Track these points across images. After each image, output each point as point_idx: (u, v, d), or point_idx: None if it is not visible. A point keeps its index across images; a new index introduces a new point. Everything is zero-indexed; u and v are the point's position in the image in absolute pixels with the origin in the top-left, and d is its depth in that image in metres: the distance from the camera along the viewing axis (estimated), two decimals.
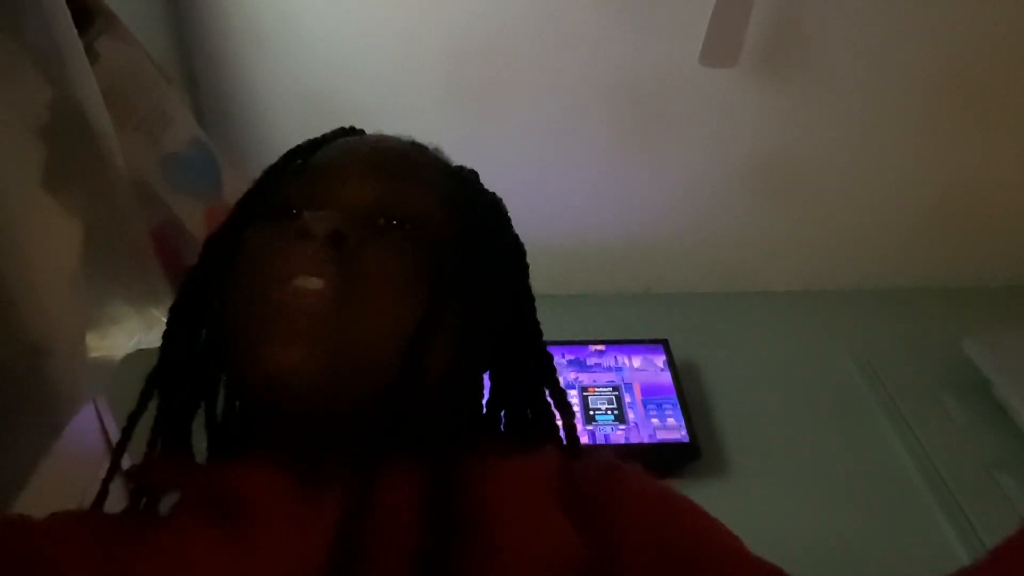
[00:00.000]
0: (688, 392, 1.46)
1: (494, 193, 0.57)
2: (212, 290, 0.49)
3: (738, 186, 1.62)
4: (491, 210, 0.56)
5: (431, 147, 0.58)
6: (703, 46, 1.35)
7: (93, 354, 0.67)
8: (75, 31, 0.59)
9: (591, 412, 1.39)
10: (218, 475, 0.47)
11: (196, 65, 1.42)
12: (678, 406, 1.41)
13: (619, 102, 1.50)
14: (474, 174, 0.57)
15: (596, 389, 1.44)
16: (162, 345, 0.52)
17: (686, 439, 1.36)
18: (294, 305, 0.43)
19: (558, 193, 1.61)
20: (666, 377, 1.48)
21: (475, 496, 0.44)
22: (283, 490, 0.44)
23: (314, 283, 0.43)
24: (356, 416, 0.44)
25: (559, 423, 0.56)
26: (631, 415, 1.40)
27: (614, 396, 1.42)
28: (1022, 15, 1.41)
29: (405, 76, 1.44)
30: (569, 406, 0.57)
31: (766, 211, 1.66)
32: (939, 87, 1.49)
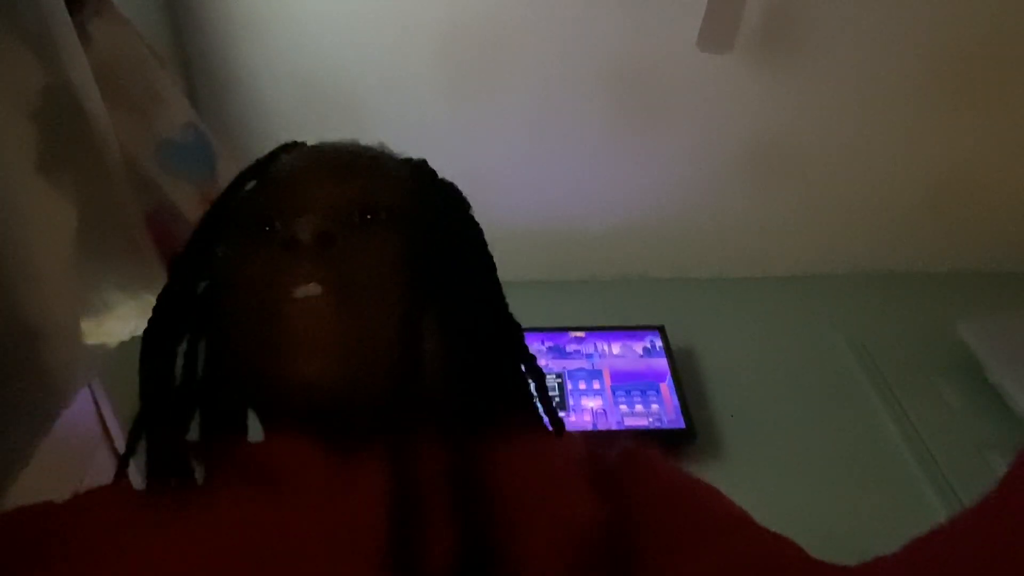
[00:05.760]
0: (684, 376, 1.46)
1: (445, 178, 0.58)
2: (188, 311, 0.50)
3: (734, 171, 1.62)
4: (450, 193, 0.57)
5: (377, 144, 0.59)
6: (700, 31, 1.34)
7: (89, 341, 0.67)
8: (67, 13, 0.58)
9: None
10: (249, 447, 0.48)
11: (190, 48, 1.41)
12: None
13: (615, 87, 1.49)
14: (424, 162, 0.58)
15: None
16: (140, 371, 0.50)
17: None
18: (302, 317, 0.44)
19: (553, 178, 1.60)
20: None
21: (501, 465, 0.45)
22: (314, 456, 0.45)
23: (314, 289, 0.44)
24: (374, 401, 0.45)
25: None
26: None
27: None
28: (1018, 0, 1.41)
29: (400, 60, 1.43)
30: (539, 369, 0.57)
31: (762, 196, 1.66)
32: (935, 71, 1.49)
